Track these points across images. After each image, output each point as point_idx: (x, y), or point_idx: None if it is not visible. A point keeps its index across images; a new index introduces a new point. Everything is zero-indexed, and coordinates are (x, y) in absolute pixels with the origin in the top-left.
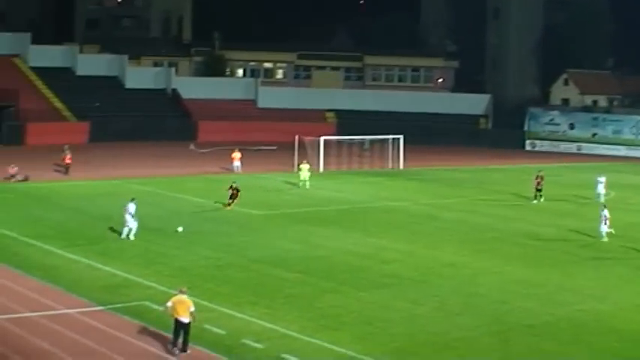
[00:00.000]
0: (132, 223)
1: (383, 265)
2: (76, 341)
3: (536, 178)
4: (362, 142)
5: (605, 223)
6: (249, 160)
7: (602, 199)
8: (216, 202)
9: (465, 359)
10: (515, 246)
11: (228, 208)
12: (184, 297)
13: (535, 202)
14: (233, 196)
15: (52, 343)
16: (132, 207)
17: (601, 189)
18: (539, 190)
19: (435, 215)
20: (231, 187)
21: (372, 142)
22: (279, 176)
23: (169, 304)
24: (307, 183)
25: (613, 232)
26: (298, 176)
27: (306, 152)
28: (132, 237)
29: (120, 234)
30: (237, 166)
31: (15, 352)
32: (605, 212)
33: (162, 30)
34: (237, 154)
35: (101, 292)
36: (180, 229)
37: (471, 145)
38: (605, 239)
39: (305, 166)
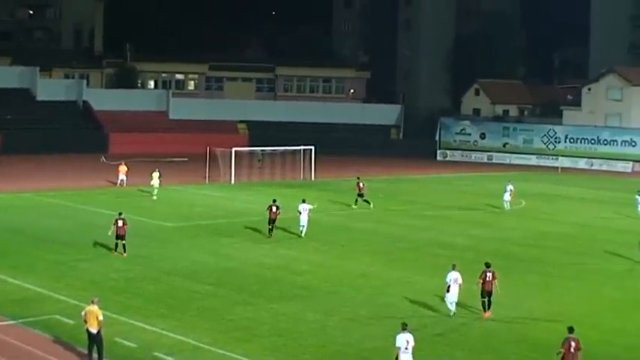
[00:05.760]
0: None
1: (294, 277)
2: None
3: (357, 183)
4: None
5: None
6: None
7: (508, 207)
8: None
9: None
10: (426, 256)
11: None
12: (95, 307)
13: (355, 207)
14: None
15: None
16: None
17: (507, 196)
18: (360, 196)
19: (348, 226)
20: None
21: (283, 152)
22: (190, 188)
23: (83, 313)
24: (155, 191)
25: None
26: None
27: (217, 163)
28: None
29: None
30: (123, 180)
31: None
32: (304, 206)
33: (74, 42)
34: (123, 168)
35: (12, 305)
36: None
37: (383, 156)
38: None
39: (155, 174)
